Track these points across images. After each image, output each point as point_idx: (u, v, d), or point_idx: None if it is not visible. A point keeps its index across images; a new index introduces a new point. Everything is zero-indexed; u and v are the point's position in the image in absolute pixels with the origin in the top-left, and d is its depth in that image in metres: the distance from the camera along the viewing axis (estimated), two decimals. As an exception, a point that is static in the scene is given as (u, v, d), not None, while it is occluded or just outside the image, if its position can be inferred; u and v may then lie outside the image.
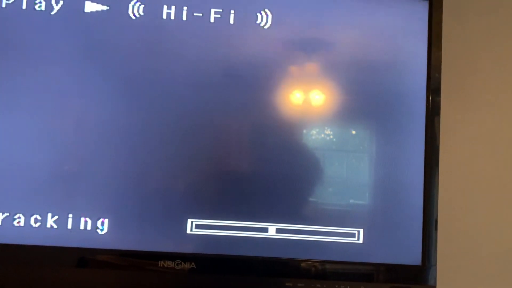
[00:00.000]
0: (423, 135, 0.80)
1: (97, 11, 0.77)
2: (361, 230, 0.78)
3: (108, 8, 0.77)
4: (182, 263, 0.74)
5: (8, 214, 0.74)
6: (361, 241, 0.78)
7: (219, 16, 0.79)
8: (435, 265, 0.77)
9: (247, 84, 0.79)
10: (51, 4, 0.77)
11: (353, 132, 0.82)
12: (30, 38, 0.76)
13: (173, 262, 0.74)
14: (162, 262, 0.74)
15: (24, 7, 0.76)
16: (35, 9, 0.76)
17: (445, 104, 0.82)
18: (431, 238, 0.78)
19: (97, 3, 0.77)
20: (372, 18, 0.81)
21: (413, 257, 0.78)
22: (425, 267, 0.77)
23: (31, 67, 0.76)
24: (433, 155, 0.80)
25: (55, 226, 0.74)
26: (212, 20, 0.79)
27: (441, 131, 0.81)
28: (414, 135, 0.80)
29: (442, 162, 0.81)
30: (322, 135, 0.82)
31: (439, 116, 0.81)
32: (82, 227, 0.74)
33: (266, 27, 0.80)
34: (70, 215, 0.74)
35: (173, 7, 0.78)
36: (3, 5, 0.76)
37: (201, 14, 0.79)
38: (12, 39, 0.76)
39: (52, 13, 0.77)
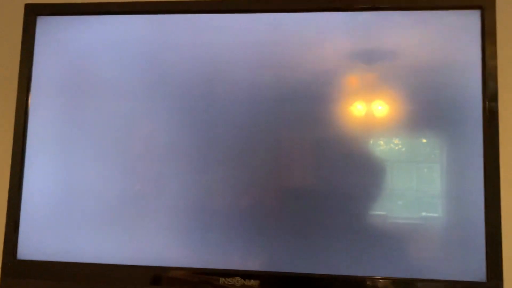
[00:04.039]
0: (481, 143, 0.77)
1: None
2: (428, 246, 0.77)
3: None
4: (249, 280, 0.78)
5: (82, 234, 0.84)
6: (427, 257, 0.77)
7: (281, 30, 0.83)
8: (501, 280, 0.72)
9: (310, 98, 0.82)
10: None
11: (417, 142, 0.81)
12: (99, 74, 0.87)
13: (241, 279, 0.79)
14: (230, 279, 0.79)
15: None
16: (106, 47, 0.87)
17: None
18: (496, 252, 0.73)
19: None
20: (427, 30, 0.81)
21: (477, 273, 0.74)
22: (491, 284, 0.73)
23: (103, 101, 0.86)
24: (494, 164, 0.75)
25: (126, 245, 0.83)
26: (272, 35, 0.83)
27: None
28: (471, 144, 0.77)
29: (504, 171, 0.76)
30: (388, 146, 0.82)
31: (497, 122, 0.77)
32: (152, 246, 0.82)
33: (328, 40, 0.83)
34: (140, 235, 0.83)
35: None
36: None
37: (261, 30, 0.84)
38: (85, 75, 0.87)
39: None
